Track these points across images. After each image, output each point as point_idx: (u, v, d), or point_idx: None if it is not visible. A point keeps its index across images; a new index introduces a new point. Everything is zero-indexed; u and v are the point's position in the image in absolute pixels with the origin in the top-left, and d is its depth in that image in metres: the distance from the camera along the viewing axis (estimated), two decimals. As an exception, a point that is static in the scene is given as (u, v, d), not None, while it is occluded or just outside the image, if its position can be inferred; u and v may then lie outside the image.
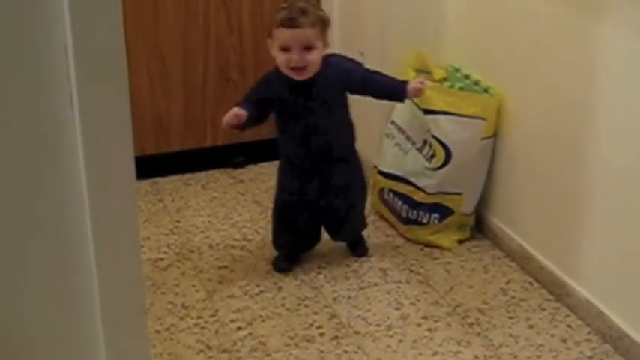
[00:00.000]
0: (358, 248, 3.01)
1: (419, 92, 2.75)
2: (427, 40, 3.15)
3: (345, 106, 2.79)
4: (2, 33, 1.67)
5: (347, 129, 2.82)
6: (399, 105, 3.11)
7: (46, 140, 1.82)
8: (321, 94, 2.69)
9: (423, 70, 3.08)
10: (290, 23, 2.57)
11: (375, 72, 2.78)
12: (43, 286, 1.88)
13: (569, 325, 2.61)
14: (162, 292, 2.78)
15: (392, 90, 2.76)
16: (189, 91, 3.51)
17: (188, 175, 3.57)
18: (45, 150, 1.82)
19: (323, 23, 2.64)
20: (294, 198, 2.83)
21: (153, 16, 3.37)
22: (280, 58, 2.62)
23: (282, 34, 2.59)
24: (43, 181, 1.83)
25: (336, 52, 3.57)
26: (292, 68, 2.62)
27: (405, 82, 2.75)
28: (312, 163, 2.77)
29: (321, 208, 2.86)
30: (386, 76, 2.77)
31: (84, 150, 1.84)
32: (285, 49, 2.60)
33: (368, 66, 2.82)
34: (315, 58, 2.62)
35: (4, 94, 1.70)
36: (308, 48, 2.60)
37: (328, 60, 2.70)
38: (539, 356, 2.48)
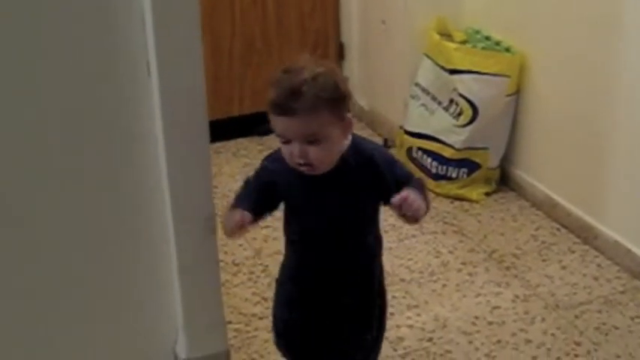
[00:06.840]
0: None
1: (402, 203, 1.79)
2: (448, 5, 3.30)
3: (373, 207, 1.93)
4: (83, 4, 1.80)
5: (374, 242, 1.98)
6: (422, 67, 3.27)
7: (125, 107, 1.96)
8: (344, 185, 1.85)
9: (444, 34, 3.24)
10: (279, 111, 1.74)
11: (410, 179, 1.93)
12: (126, 242, 2.04)
13: (599, 265, 2.79)
14: (212, 252, 2.92)
15: None
16: (216, 62, 3.63)
17: (218, 144, 3.66)
18: (124, 115, 1.97)
19: (333, 102, 1.75)
20: (294, 320, 2.03)
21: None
22: (283, 150, 1.80)
23: (275, 123, 1.76)
24: (122, 145, 1.97)
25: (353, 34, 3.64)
26: (298, 163, 1.79)
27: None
28: (320, 283, 1.98)
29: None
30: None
31: (162, 115, 1.99)
32: (284, 141, 1.78)
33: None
34: (324, 154, 1.77)
35: (85, 64, 1.82)
36: (313, 141, 1.75)
37: (354, 141, 1.86)
38: (575, 293, 2.66)
